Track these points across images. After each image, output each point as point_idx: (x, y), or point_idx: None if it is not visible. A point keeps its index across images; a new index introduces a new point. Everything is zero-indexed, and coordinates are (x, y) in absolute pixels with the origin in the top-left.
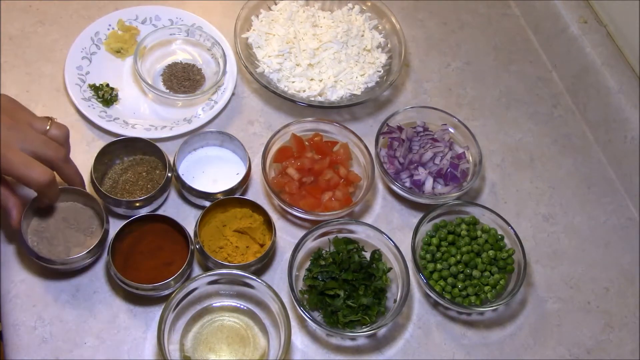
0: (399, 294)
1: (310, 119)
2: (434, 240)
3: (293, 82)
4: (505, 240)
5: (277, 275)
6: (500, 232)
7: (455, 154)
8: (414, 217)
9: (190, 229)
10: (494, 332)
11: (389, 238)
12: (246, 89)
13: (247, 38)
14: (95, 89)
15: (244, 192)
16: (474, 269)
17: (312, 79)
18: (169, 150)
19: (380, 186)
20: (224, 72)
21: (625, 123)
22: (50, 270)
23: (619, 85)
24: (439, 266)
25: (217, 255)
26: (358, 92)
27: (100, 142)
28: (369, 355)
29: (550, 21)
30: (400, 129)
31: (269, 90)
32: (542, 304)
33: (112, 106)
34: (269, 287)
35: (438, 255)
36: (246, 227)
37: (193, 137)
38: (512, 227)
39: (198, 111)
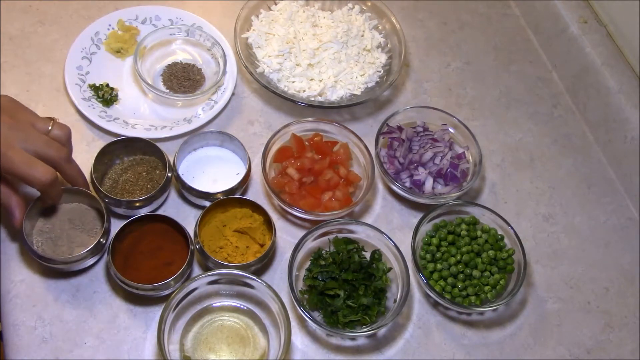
0: (399, 294)
1: (310, 119)
2: (434, 240)
3: (293, 82)
4: (505, 240)
5: (277, 275)
6: (500, 232)
7: (455, 154)
8: (414, 217)
9: (190, 229)
10: (494, 332)
11: (389, 238)
12: (246, 89)
13: (247, 38)
14: (95, 89)
15: (244, 192)
16: (474, 269)
17: (312, 79)
18: (169, 150)
19: (380, 186)
20: (224, 72)
21: (625, 123)
22: (51, 270)
23: (619, 85)
24: (439, 266)
25: (217, 255)
26: (358, 92)
27: (100, 142)
28: (369, 355)
29: (550, 21)
30: (400, 129)
31: (269, 90)
32: (542, 304)
33: (112, 106)
34: (269, 287)
35: (438, 255)
36: (246, 227)
37: (193, 137)
38: (512, 227)
39: (198, 111)
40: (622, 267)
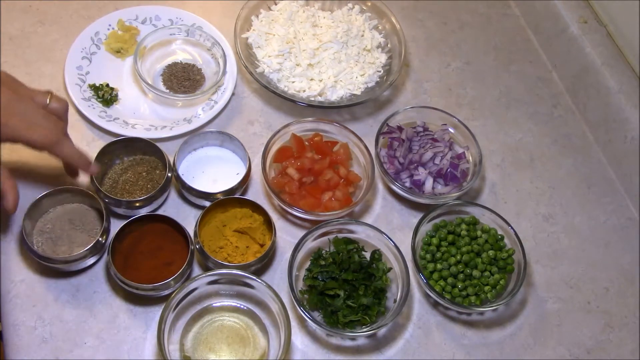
0: (399, 294)
1: (310, 119)
2: (434, 240)
3: (293, 82)
4: (505, 240)
5: (277, 275)
6: (500, 232)
7: (455, 154)
8: (414, 217)
9: (190, 229)
10: (494, 332)
11: (389, 238)
12: (246, 89)
13: (247, 38)
14: (95, 89)
15: (244, 192)
16: (474, 269)
17: (312, 79)
18: (169, 150)
19: (380, 186)
20: (224, 72)
21: (625, 123)
22: (51, 270)
23: (619, 85)
24: (439, 266)
25: (217, 255)
26: (358, 92)
27: (100, 142)
28: (369, 355)
29: (550, 21)
30: (400, 129)
31: (269, 90)
32: (542, 304)
33: (112, 106)
34: (269, 287)
35: (438, 255)
36: (246, 227)
37: (193, 137)
38: (512, 227)
39: (198, 111)
40: (622, 267)
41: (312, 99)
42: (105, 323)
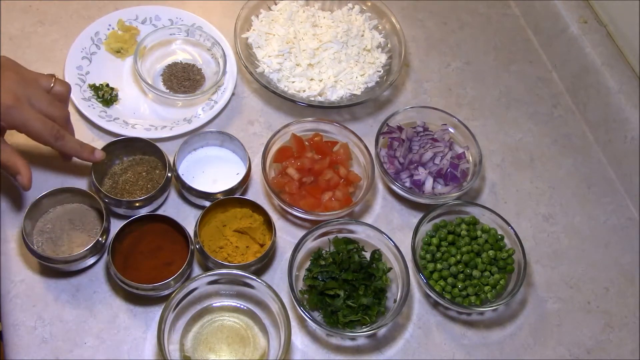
0: (399, 294)
1: (310, 119)
2: (434, 240)
3: (293, 82)
4: (505, 240)
5: (277, 275)
6: (500, 232)
7: (455, 154)
8: (414, 217)
9: (190, 229)
10: (494, 332)
11: (389, 238)
12: (246, 89)
13: (247, 38)
14: (95, 89)
15: (244, 192)
16: (474, 269)
17: (312, 79)
18: (169, 150)
19: (380, 186)
20: (224, 72)
21: (625, 123)
22: (51, 270)
23: (619, 85)
24: (439, 266)
25: (217, 255)
26: (358, 92)
27: (100, 142)
28: (369, 355)
29: (550, 21)
30: (400, 129)
31: (269, 90)
32: (542, 304)
33: (112, 106)
34: (269, 287)
35: (438, 255)
36: (246, 227)
37: (193, 137)
38: (512, 227)
39: (198, 111)
40: (622, 267)
41: (312, 99)
42: (105, 323)
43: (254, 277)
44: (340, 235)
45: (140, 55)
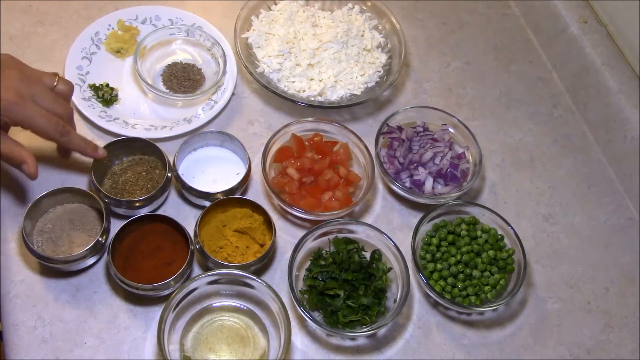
0: (399, 294)
1: (310, 119)
2: (434, 240)
3: (293, 82)
4: (505, 240)
5: (277, 275)
6: (500, 232)
7: (455, 154)
8: (414, 217)
9: (190, 229)
10: (494, 332)
11: (389, 238)
12: (246, 89)
13: (247, 38)
14: (95, 89)
15: (244, 192)
16: (474, 269)
17: (312, 79)
18: (169, 150)
19: (380, 186)
20: (224, 72)
21: (625, 123)
22: (51, 270)
23: (619, 85)
24: (439, 266)
25: (217, 255)
26: (358, 92)
27: (100, 142)
28: (369, 355)
29: (550, 21)
30: (400, 129)
31: (269, 90)
32: (542, 304)
33: (112, 106)
34: (269, 287)
35: (438, 255)
36: (246, 227)
37: (193, 137)
38: (512, 227)
39: (198, 111)
40: (622, 267)
41: (312, 99)
42: (105, 323)
43: (254, 277)
44: (340, 235)
45: (140, 55)
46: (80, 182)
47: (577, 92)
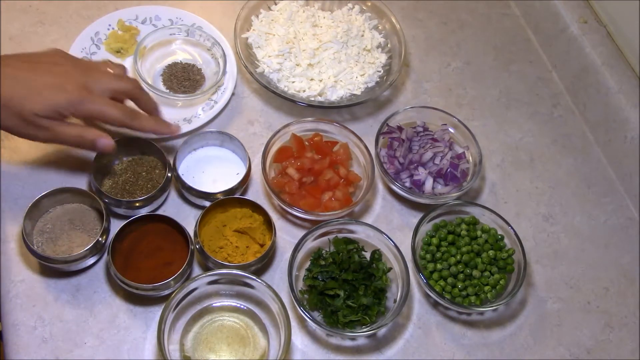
0: (399, 294)
1: (310, 119)
2: (434, 240)
3: (293, 82)
4: (505, 240)
5: (277, 275)
6: (500, 232)
7: (455, 154)
8: (414, 217)
9: (190, 229)
10: (494, 332)
11: (389, 238)
12: (246, 89)
13: (247, 38)
14: None
15: (244, 192)
16: (474, 269)
17: (312, 79)
18: (169, 151)
19: (380, 186)
20: (224, 72)
21: (625, 123)
22: (51, 270)
23: (619, 85)
24: (439, 266)
25: (217, 255)
26: (358, 92)
27: None
28: (369, 355)
29: (550, 21)
30: (400, 129)
31: (269, 90)
32: (542, 304)
33: None
34: (269, 287)
35: (438, 255)
36: (246, 227)
37: (193, 137)
38: (512, 227)
39: (198, 111)
40: (622, 267)
41: (312, 99)
42: (105, 323)
43: (254, 277)
44: (340, 235)
45: (140, 55)
46: (80, 182)
47: (577, 92)
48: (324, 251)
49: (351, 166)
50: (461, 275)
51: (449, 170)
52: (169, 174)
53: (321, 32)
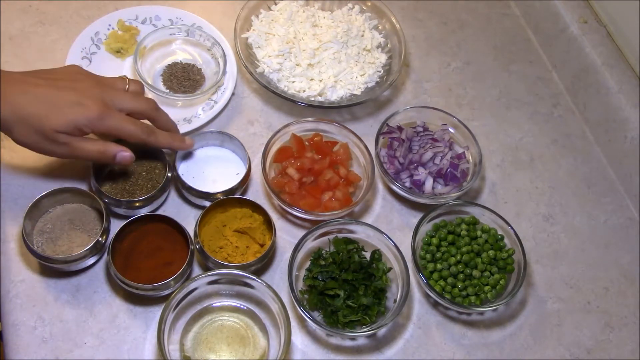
0: (399, 294)
1: (310, 119)
2: (434, 240)
3: (293, 82)
4: (505, 240)
5: (277, 275)
6: (500, 232)
7: (455, 154)
8: (414, 217)
9: (190, 229)
10: (494, 332)
11: (389, 238)
12: (246, 89)
13: (247, 38)
14: None
15: (244, 192)
16: (474, 269)
17: (312, 79)
18: (169, 151)
19: (380, 186)
20: (224, 72)
21: (625, 123)
22: (51, 270)
23: (619, 85)
24: (439, 266)
25: (217, 255)
26: (358, 92)
27: None
28: (369, 355)
29: (550, 21)
30: (400, 129)
31: (269, 90)
32: (542, 304)
33: None
34: (269, 287)
35: (438, 255)
36: (246, 227)
37: (193, 137)
38: (512, 227)
39: (198, 111)
40: (622, 267)
41: (312, 99)
42: (105, 323)
43: (254, 277)
44: (340, 235)
45: (140, 55)
46: (80, 182)
47: (577, 92)
48: (324, 251)
49: (351, 166)
50: (461, 275)
51: (449, 170)
52: (169, 174)
53: (321, 32)
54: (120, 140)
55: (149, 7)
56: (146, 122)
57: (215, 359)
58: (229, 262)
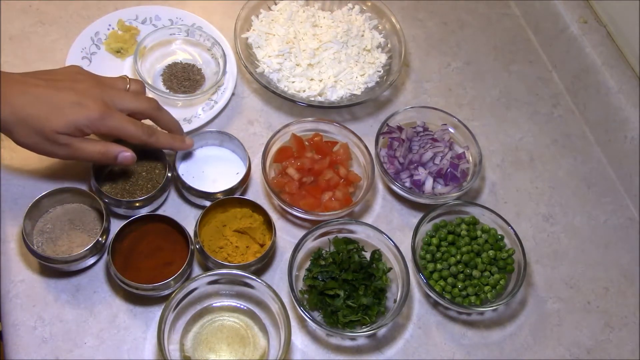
0: (399, 294)
1: (310, 119)
2: (434, 240)
3: (293, 82)
4: (505, 240)
5: (277, 275)
6: (500, 232)
7: (455, 154)
8: (414, 217)
9: (190, 229)
10: (494, 332)
11: (389, 238)
12: (246, 89)
13: (247, 38)
14: None
15: (244, 192)
16: (474, 269)
17: (312, 79)
18: (169, 151)
19: (380, 186)
20: (224, 72)
21: (625, 123)
22: (51, 270)
23: (619, 85)
24: (439, 266)
25: (217, 255)
26: (358, 92)
27: None
28: (369, 355)
29: (550, 21)
30: (400, 129)
31: (269, 90)
32: (542, 304)
33: None
34: (269, 287)
35: (438, 255)
36: (246, 227)
37: (193, 137)
38: (512, 227)
39: (198, 111)
40: (622, 267)
41: (312, 99)
42: (105, 323)
43: (254, 277)
44: (340, 235)
45: (140, 55)
46: (80, 182)
47: (577, 92)
48: (324, 251)
49: (351, 166)
50: (461, 275)
51: (449, 170)
52: (169, 174)
53: (321, 32)
54: (120, 140)
55: (149, 7)
56: (148, 122)
57: (215, 359)
58: (229, 262)
